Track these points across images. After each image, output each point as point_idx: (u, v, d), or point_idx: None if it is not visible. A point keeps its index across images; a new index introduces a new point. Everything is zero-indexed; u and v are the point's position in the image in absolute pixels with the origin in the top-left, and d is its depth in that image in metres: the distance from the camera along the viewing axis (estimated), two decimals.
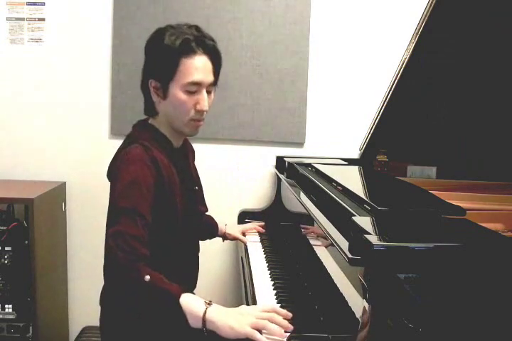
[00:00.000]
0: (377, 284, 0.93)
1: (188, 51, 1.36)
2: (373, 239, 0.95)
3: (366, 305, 0.94)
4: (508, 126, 1.88)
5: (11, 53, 2.42)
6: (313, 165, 1.94)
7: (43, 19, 2.41)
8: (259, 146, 2.50)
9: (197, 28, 1.42)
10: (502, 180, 1.92)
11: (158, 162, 1.36)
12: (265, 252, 1.85)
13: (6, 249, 2.10)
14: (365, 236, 0.96)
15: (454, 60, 1.80)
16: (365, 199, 1.29)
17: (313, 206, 1.49)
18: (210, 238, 1.92)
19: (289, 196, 2.03)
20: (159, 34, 1.39)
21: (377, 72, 2.41)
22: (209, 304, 1.16)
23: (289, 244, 1.89)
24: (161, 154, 1.39)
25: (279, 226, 2.09)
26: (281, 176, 2.15)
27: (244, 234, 2.02)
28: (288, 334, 1.13)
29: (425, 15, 1.65)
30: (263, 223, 2.12)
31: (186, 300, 1.15)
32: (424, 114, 2.00)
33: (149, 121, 1.49)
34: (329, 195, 1.44)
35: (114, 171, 1.35)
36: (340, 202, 1.32)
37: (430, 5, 1.62)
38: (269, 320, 1.13)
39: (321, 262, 1.38)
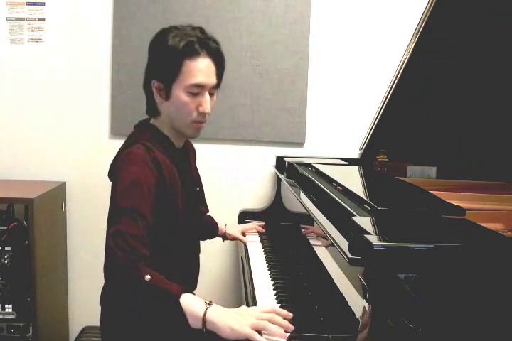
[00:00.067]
0: (377, 284, 0.93)
1: (191, 53, 1.36)
2: (373, 239, 0.95)
3: (366, 305, 0.94)
4: (508, 126, 1.88)
5: (11, 53, 2.42)
6: (313, 165, 1.94)
7: (43, 19, 2.41)
8: (259, 146, 2.50)
9: (201, 29, 1.42)
10: (502, 180, 1.92)
11: (160, 163, 1.36)
12: (265, 252, 1.85)
13: (6, 249, 2.10)
14: (365, 236, 0.96)
15: (454, 60, 1.80)
16: (365, 199, 1.29)
17: (313, 206, 1.49)
18: (210, 238, 1.92)
19: (289, 196, 2.03)
20: (163, 35, 1.39)
21: (377, 72, 2.41)
22: (209, 304, 1.16)
23: (289, 244, 1.89)
24: (162, 155, 1.39)
25: (279, 226, 2.09)
26: (281, 176, 2.15)
27: (244, 234, 2.02)
28: (288, 334, 1.13)
29: (425, 15, 1.65)
30: (263, 223, 2.12)
31: (186, 301, 1.15)
32: (424, 114, 2.00)
33: (151, 122, 1.49)
34: (329, 195, 1.44)
35: (116, 171, 1.35)
36: (340, 202, 1.32)
37: (430, 5, 1.62)
38: (269, 321, 1.13)
39: (321, 262, 1.38)
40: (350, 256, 0.99)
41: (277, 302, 1.37)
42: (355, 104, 2.47)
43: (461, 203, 1.37)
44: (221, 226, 1.94)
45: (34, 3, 2.41)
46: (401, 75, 1.83)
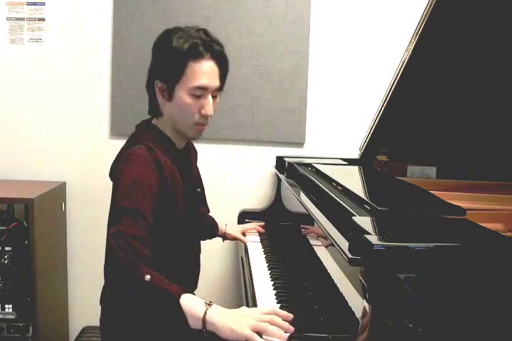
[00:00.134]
0: (377, 284, 0.93)
1: (195, 55, 1.36)
2: (373, 239, 0.95)
3: (366, 305, 0.94)
4: (508, 126, 1.88)
5: (11, 53, 2.42)
6: (313, 165, 1.94)
7: (43, 19, 2.41)
8: (259, 146, 2.50)
9: (205, 31, 1.42)
10: (502, 180, 1.92)
11: (161, 163, 1.36)
12: (265, 252, 1.85)
13: (6, 249, 2.10)
14: (365, 236, 0.96)
15: (454, 60, 1.80)
16: (365, 199, 1.29)
17: (313, 206, 1.49)
18: (210, 238, 1.92)
19: (289, 196, 2.03)
20: (167, 35, 1.39)
21: (377, 72, 2.41)
22: (209, 305, 1.15)
23: (289, 244, 1.89)
24: (164, 156, 1.39)
25: (279, 226, 2.09)
26: (281, 176, 2.15)
27: (244, 234, 2.02)
28: (288, 334, 1.13)
29: (425, 15, 1.65)
30: (263, 223, 2.12)
31: (186, 301, 1.14)
32: (424, 114, 2.00)
33: (153, 122, 1.49)
34: (329, 195, 1.44)
35: (117, 171, 1.35)
36: (340, 202, 1.32)
37: (430, 5, 1.62)
38: (269, 322, 1.13)
39: (321, 262, 1.38)
40: (350, 256, 0.99)
41: (277, 302, 1.37)
42: (355, 104, 2.47)
43: (461, 203, 1.37)
44: (221, 226, 1.95)
45: (34, 3, 2.41)
46: (401, 75, 1.83)
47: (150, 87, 1.44)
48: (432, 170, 2.13)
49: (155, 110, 1.47)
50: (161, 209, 1.33)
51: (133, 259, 1.17)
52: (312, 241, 1.55)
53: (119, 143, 1.48)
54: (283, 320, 1.16)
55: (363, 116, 2.36)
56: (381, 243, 0.93)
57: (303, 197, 1.67)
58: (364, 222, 1.11)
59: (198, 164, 1.70)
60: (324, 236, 1.33)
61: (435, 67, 1.83)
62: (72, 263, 2.50)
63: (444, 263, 0.94)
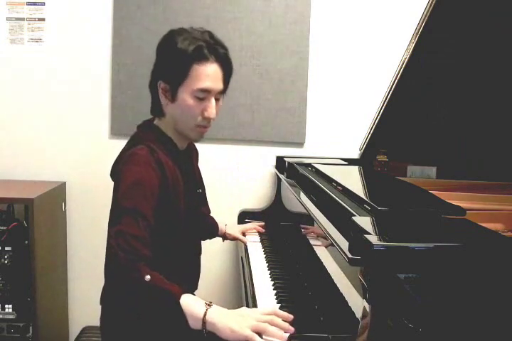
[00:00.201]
0: (377, 284, 0.93)
1: (200, 58, 1.36)
2: (373, 239, 0.95)
3: (366, 305, 0.94)
4: (508, 126, 1.88)
5: (11, 53, 2.42)
6: (313, 165, 1.94)
7: (43, 19, 2.41)
8: (259, 146, 2.50)
9: (210, 34, 1.42)
10: (502, 180, 1.92)
11: (163, 164, 1.36)
12: (265, 252, 1.85)
13: (6, 249, 2.10)
14: (365, 236, 0.96)
15: (454, 60, 1.80)
16: (365, 199, 1.29)
17: (313, 206, 1.49)
18: (210, 238, 1.92)
19: (289, 196, 2.03)
20: (172, 36, 1.39)
21: (377, 72, 2.41)
22: (209, 305, 1.15)
23: (289, 244, 1.89)
24: (166, 156, 1.39)
25: (279, 226, 2.09)
26: (281, 176, 2.15)
27: (244, 234, 2.02)
28: (288, 334, 1.13)
29: (425, 15, 1.65)
30: (263, 223, 2.12)
31: (186, 301, 1.14)
32: (424, 114, 2.00)
33: (154, 122, 1.49)
34: (329, 195, 1.44)
35: (118, 172, 1.35)
36: (340, 202, 1.32)
37: (430, 5, 1.62)
38: (269, 323, 1.13)
39: (321, 262, 1.38)
40: (350, 256, 0.99)
41: (277, 303, 1.37)
42: (355, 104, 2.47)
43: (461, 203, 1.37)
44: (221, 226, 1.95)
45: (34, 3, 2.41)
46: (401, 75, 1.83)
47: (153, 87, 1.44)
48: (432, 170, 2.13)
49: (157, 110, 1.46)
50: (162, 210, 1.33)
51: (133, 259, 1.17)
52: (312, 241, 1.55)
53: (119, 143, 1.48)
54: (283, 320, 1.16)
55: (363, 116, 2.36)
56: (381, 243, 0.93)
57: (303, 197, 1.67)
58: (364, 222, 1.11)
59: (199, 164, 1.70)
60: (324, 236, 1.33)
61: (435, 67, 1.83)
62: (72, 263, 2.50)
63: (444, 263, 0.94)
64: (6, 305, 2.09)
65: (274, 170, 2.36)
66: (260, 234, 2.06)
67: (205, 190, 1.69)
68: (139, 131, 1.49)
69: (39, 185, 2.33)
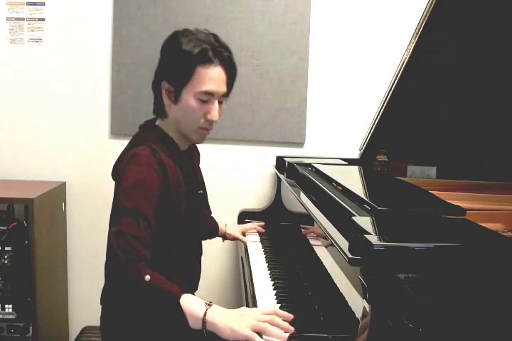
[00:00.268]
0: (377, 284, 0.93)
1: (204, 60, 1.36)
2: (373, 239, 0.95)
3: (366, 305, 0.94)
4: (508, 126, 1.88)
5: (11, 53, 2.42)
6: (313, 165, 1.94)
7: (43, 19, 2.41)
8: (259, 146, 2.50)
9: (215, 36, 1.42)
10: (502, 180, 1.92)
11: (164, 165, 1.36)
12: (265, 252, 1.85)
13: (6, 249, 2.10)
14: (365, 236, 0.96)
15: (454, 60, 1.80)
16: (365, 199, 1.29)
17: (313, 206, 1.49)
18: (211, 238, 1.92)
19: (289, 196, 2.04)
20: (177, 37, 1.39)
21: (377, 72, 2.41)
22: (209, 305, 1.15)
23: (289, 244, 1.89)
24: (167, 157, 1.39)
25: (279, 226, 2.09)
26: (281, 176, 2.15)
27: (244, 234, 2.02)
28: (288, 334, 1.13)
29: (425, 15, 1.65)
30: (263, 223, 2.12)
31: (186, 301, 1.14)
32: (424, 114, 2.00)
33: (156, 123, 1.49)
34: (329, 195, 1.44)
35: (120, 172, 1.35)
36: (340, 202, 1.32)
37: (430, 5, 1.62)
38: (269, 323, 1.13)
39: (321, 262, 1.38)
40: (350, 256, 0.99)
41: (277, 303, 1.37)
42: (355, 104, 2.47)
43: (461, 203, 1.37)
44: (221, 226, 1.95)
45: (34, 3, 2.41)
46: (401, 75, 1.83)
47: (156, 87, 1.44)
48: (432, 170, 2.13)
49: (160, 111, 1.46)
50: (163, 211, 1.33)
51: (133, 259, 1.17)
52: (312, 241, 1.55)
53: (119, 143, 1.48)
54: (283, 320, 1.16)
55: (363, 116, 2.36)
56: (381, 243, 0.93)
57: (303, 197, 1.67)
58: (364, 222, 1.11)
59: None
60: (324, 236, 1.33)
61: (435, 67, 1.83)
62: (72, 263, 2.50)
63: (444, 263, 0.94)
64: (6, 305, 2.09)
65: (274, 170, 2.36)
66: (260, 234, 2.06)
67: (206, 191, 1.69)
68: (140, 132, 1.49)
69: (39, 185, 2.33)
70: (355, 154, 2.31)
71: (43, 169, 2.45)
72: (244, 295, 1.52)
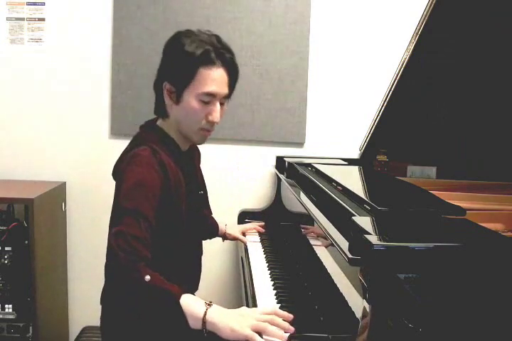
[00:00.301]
0: (377, 284, 0.93)
1: (207, 62, 1.36)
2: (373, 239, 0.95)
3: (366, 305, 0.94)
4: (508, 126, 1.88)
5: (11, 53, 2.42)
6: (313, 165, 1.94)
7: (43, 19, 2.41)
8: (259, 146, 2.50)
9: (218, 38, 1.42)
10: (502, 180, 1.92)
11: (165, 165, 1.36)
12: (265, 252, 1.85)
13: (6, 249, 2.10)
14: (365, 236, 0.96)
15: (454, 60, 1.80)
16: (365, 199, 1.29)
17: (313, 206, 1.49)
18: (211, 238, 1.92)
19: (289, 196, 2.04)
20: (180, 38, 1.39)
21: (377, 72, 2.41)
22: (209, 305, 1.16)
23: (289, 244, 1.89)
24: (168, 158, 1.39)
25: (279, 226, 2.09)
26: (281, 176, 2.15)
27: (244, 234, 2.02)
28: (288, 334, 1.13)
29: (425, 15, 1.65)
30: (263, 223, 2.12)
31: (186, 301, 1.14)
32: (424, 114, 2.00)
33: (157, 123, 1.49)
34: (329, 195, 1.44)
35: (121, 172, 1.35)
36: (340, 202, 1.32)
37: (430, 5, 1.62)
38: (269, 323, 1.13)
39: (321, 262, 1.38)
40: (350, 256, 0.99)
41: (277, 302, 1.37)
42: (355, 104, 2.47)
43: (461, 203, 1.37)
44: (221, 226, 1.95)
45: (34, 3, 2.41)
46: (401, 75, 1.83)
47: (158, 87, 1.44)
48: (432, 170, 2.13)
49: (161, 111, 1.46)
50: (164, 211, 1.33)
51: (133, 260, 1.17)
52: (312, 241, 1.55)
53: (119, 143, 1.48)
54: (283, 320, 1.16)
55: (363, 116, 2.36)
56: (381, 243, 0.93)
57: (303, 197, 1.67)
58: (364, 222, 1.11)
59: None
60: (324, 236, 1.33)
61: (435, 67, 1.83)
62: (72, 263, 2.50)
63: (444, 263, 0.94)
64: (6, 305, 2.09)
65: (274, 170, 2.36)
66: (260, 234, 2.06)
67: (207, 191, 1.69)
68: (141, 132, 1.49)
69: (39, 185, 2.33)
70: (355, 154, 2.31)
71: (43, 169, 2.45)
72: (244, 295, 1.52)
